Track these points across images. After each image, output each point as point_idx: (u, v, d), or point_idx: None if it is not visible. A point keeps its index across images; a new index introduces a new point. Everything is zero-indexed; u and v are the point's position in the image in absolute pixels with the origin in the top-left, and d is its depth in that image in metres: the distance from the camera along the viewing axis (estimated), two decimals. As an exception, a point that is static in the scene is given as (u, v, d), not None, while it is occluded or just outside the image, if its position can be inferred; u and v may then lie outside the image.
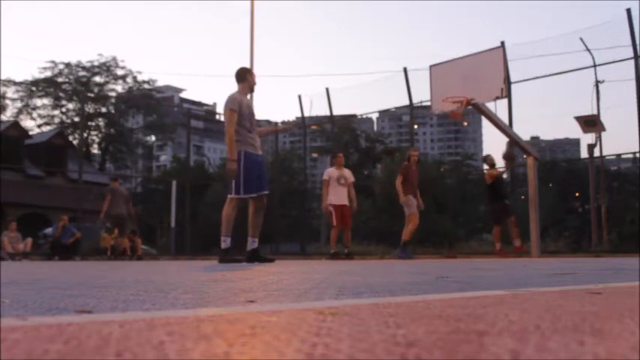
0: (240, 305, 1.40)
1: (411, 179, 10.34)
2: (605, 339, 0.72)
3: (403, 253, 10.17)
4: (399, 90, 16.53)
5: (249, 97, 6.87)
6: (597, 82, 14.83)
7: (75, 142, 30.57)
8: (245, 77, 6.76)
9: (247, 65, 12.48)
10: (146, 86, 38.49)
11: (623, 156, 24.20)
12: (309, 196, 22.88)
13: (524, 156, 10.31)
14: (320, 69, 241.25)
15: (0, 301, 1.44)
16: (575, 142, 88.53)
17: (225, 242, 6.48)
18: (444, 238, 20.61)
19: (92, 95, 35.97)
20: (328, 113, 18.83)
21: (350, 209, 11.04)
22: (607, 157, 17.21)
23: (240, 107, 6.49)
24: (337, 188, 11.09)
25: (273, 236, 19.24)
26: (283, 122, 38.10)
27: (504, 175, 11.38)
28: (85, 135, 35.27)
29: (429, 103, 11.97)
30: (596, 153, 15.43)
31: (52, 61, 37.85)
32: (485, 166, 11.69)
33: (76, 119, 35.25)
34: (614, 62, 13.77)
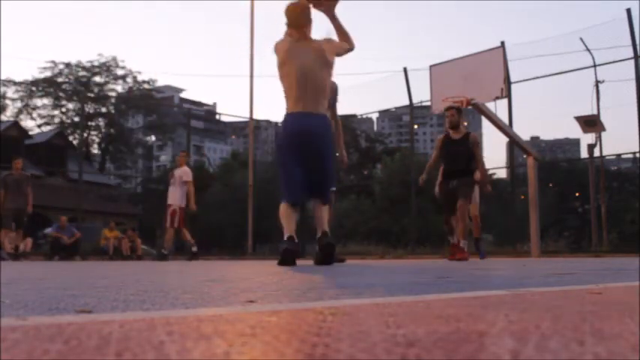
0: (240, 305, 1.40)
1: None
2: (605, 339, 0.72)
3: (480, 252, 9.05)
4: (399, 90, 16.52)
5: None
6: (597, 82, 14.84)
7: (75, 142, 30.56)
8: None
9: (247, 66, 12.38)
10: (146, 86, 38.50)
11: (623, 156, 24.22)
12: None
13: (524, 156, 10.29)
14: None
15: (0, 301, 1.44)
16: (575, 142, 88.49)
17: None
18: (444, 238, 20.55)
19: (92, 95, 35.96)
20: (328, 113, 18.79)
21: (177, 210, 10.87)
22: (607, 157, 17.23)
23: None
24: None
25: (273, 236, 19.25)
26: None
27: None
28: (85, 135, 35.26)
29: (429, 103, 11.97)
30: (596, 153, 15.44)
31: (52, 61, 37.87)
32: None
33: (76, 119, 35.25)
34: (614, 62, 13.78)
